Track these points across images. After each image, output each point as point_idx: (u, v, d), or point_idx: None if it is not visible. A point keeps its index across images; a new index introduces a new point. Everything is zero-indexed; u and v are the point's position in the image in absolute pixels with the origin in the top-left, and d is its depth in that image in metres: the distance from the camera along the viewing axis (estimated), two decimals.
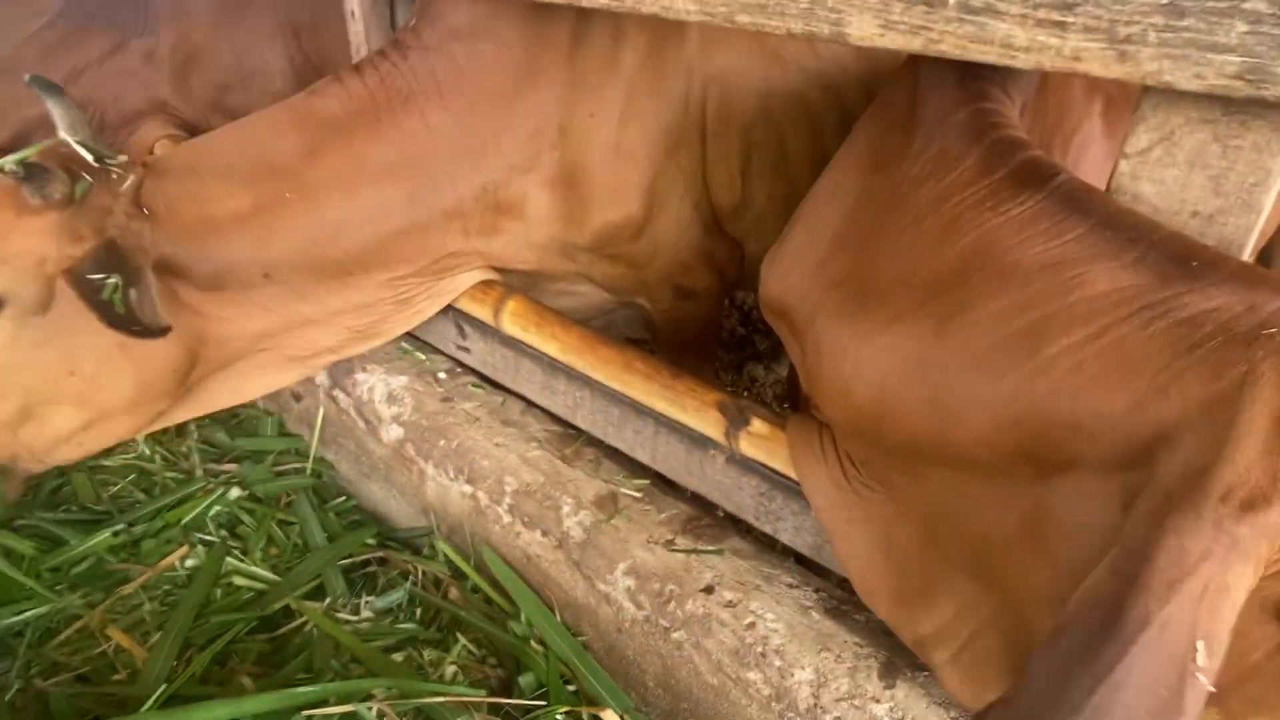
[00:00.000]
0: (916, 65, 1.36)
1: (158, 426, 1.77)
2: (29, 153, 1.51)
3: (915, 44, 1.06)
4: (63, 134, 1.52)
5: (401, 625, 1.81)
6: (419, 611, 1.86)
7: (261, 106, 1.69)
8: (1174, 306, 0.89)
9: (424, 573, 1.93)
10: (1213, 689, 0.73)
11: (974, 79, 1.26)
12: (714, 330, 2.26)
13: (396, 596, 1.86)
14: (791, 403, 2.34)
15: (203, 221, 1.58)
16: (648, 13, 1.28)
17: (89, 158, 1.50)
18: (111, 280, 1.44)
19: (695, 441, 1.63)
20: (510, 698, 1.62)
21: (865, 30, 1.08)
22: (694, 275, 1.99)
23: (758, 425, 1.51)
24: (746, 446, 1.53)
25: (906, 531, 1.25)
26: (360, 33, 1.91)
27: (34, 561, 1.86)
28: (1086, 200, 1.01)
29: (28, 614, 1.76)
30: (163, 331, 1.49)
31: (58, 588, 1.83)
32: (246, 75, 2.70)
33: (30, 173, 1.39)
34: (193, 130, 2.76)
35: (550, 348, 1.78)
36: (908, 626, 1.30)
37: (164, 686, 1.54)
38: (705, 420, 1.57)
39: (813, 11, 1.11)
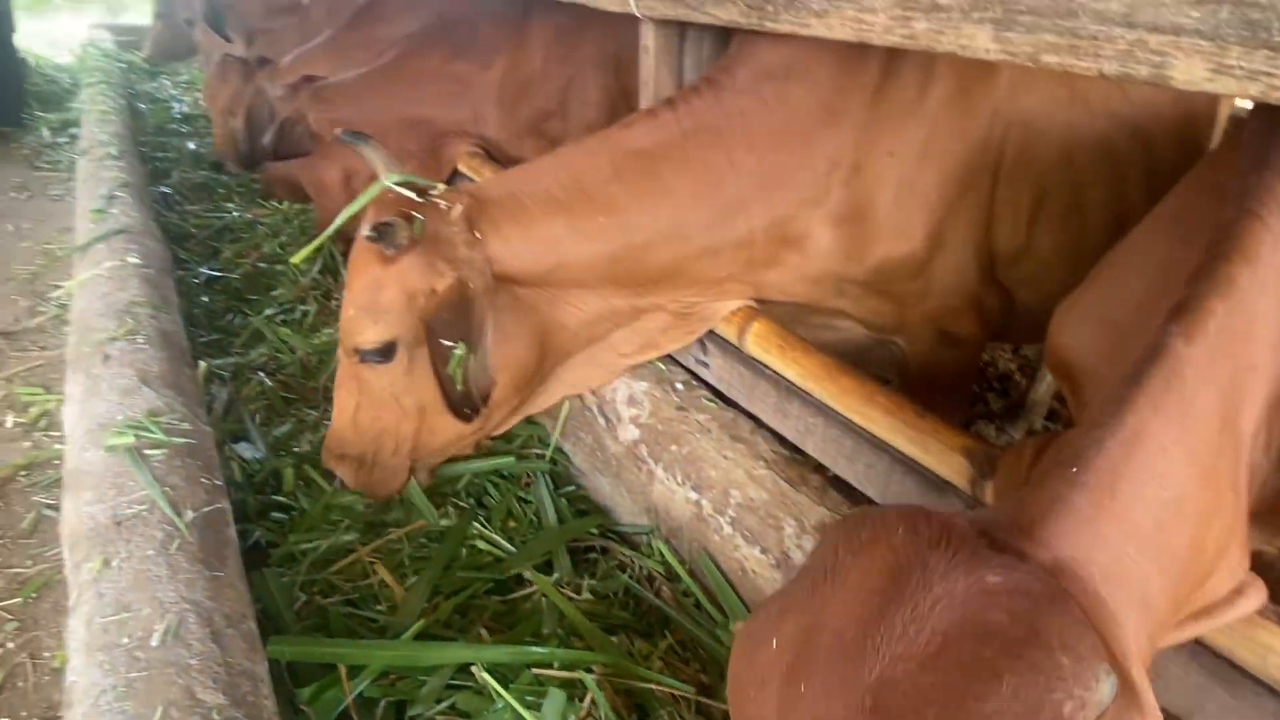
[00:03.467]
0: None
1: (520, 415, 2.05)
2: (359, 204, 1.74)
3: (1252, 90, 0.99)
4: (384, 179, 1.73)
5: (617, 612, 1.93)
6: (632, 603, 1.97)
7: (575, 134, 1.86)
8: None
9: (640, 568, 2.04)
10: None
11: None
12: (968, 382, 2.16)
13: (615, 584, 1.98)
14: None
15: (525, 241, 1.72)
16: (944, 51, 1.30)
17: (413, 195, 1.69)
18: (458, 352, 1.64)
19: (933, 485, 1.59)
20: (713, 700, 1.67)
21: (1193, 74, 1.03)
22: (960, 321, 1.93)
23: None
24: (991, 497, 1.47)
25: None
26: (650, 66, 2.08)
27: (326, 500, 2.21)
28: None
29: (316, 542, 2.09)
30: (479, 408, 1.69)
31: (341, 524, 2.15)
32: (566, 104, 2.94)
33: (381, 232, 1.58)
34: (490, 148, 3.12)
35: (791, 371, 1.82)
36: None
37: (419, 621, 1.75)
38: (949, 464, 1.53)
39: (1132, 53, 1.08)
